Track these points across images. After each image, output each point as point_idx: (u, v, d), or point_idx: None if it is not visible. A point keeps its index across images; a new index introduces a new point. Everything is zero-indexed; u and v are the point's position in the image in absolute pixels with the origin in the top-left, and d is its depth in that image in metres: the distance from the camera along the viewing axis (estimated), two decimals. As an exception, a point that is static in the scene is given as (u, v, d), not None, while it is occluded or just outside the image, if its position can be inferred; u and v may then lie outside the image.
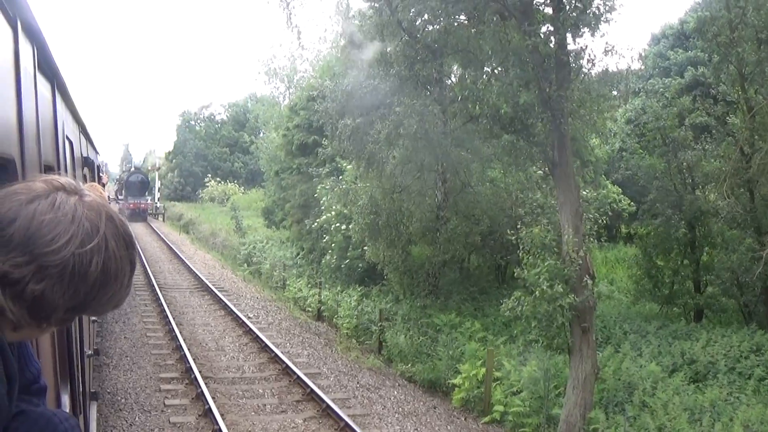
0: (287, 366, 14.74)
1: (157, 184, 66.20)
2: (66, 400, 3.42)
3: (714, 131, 18.86)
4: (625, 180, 26.14)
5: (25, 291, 1.20)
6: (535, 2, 12.39)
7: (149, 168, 71.99)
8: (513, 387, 13.04)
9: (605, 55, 12.02)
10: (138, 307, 21.06)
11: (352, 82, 17.44)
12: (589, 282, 11.42)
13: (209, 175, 66.53)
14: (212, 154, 72.38)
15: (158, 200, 64.42)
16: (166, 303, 21.19)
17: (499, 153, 15.73)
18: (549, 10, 12.34)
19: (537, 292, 11.05)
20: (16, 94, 2.06)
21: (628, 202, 26.08)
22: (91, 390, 7.17)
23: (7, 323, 1.25)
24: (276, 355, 15.59)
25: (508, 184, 19.55)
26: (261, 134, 66.33)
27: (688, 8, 35.86)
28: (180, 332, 17.32)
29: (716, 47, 16.98)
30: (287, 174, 30.85)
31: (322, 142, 24.18)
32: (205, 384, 13.20)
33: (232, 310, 20.69)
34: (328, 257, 22.71)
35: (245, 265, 30.75)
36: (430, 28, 13.82)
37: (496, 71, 13.84)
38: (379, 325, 17.41)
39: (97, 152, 12.48)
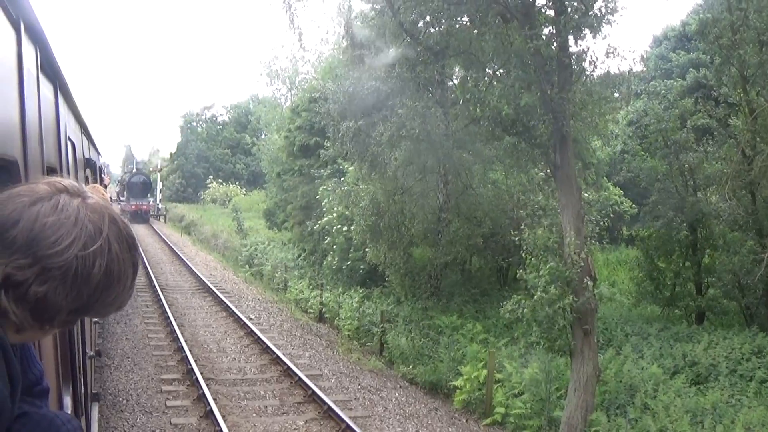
0: (288, 367, 14.74)
1: (159, 185, 66.17)
2: (68, 401, 3.42)
3: (716, 133, 18.85)
4: (626, 182, 26.19)
5: (28, 293, 1.21)
6: (537, 4, 12.40)
7: (151, 169, 71.97)
8: (514, 389, 13.04)
9: (607, 57, 12.05)
10: (140, 308, 21.08)
11: (353, 84, 17.44)
12: (590, 284, 11.41)
13: (211, 177, 66.60)
14: (214, 155, 72.44)
15: (160, 202, 64.39)
16: (168, 304, 21.20)
17: (501, 155, 15.74)
18: (551, 12, 12.35)
19: (536, 296, 11.05)
20: (19, 96, 2.07)
21: (630, 204, 26.08)
22: (93, 391, 7.17)
23: (10, 325, 1.25)
24: (277, 356, 15.59)
25: (510, 186, 19.53)
26: (263, 136, 66.43)
27: (689, 10, 35.91)
28: (181, 333, 17.33)
29: (718, 49, 16.96)
30: (289, 175, 30.86)
31: (324, 143, 24.18)
32: (207, 385, 13.20)
33: (233, 311, 20.69)
34: (329, 259, 22.72)
35: (247, 266, 30.76)
36: (432, 30, 13.83)
37: (497, 73, 13.85)
38: (380, 326, 17.41)
39: (99, 153, 12.50)
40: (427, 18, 14.04)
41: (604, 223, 19.00)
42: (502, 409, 12.67)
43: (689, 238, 17.94)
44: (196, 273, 28.72)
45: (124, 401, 12.65)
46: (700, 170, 17.84)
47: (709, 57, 26.99)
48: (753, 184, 16.50)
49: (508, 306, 11.79)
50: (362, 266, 21.07)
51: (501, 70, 13.49)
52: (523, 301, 11.50)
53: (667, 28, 36.83)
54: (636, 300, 19.69)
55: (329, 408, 12.35)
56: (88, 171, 7.50)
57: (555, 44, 11.88)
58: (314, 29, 65.59)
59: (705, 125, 20.70)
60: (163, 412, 12.19)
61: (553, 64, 11.87)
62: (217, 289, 24.54)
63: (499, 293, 19.05)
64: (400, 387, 14.78)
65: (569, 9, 11.54)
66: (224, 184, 64.86)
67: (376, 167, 17.23)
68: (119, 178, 75.02)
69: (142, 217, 56.77)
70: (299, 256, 28.26)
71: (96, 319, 8.70)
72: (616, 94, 13.78)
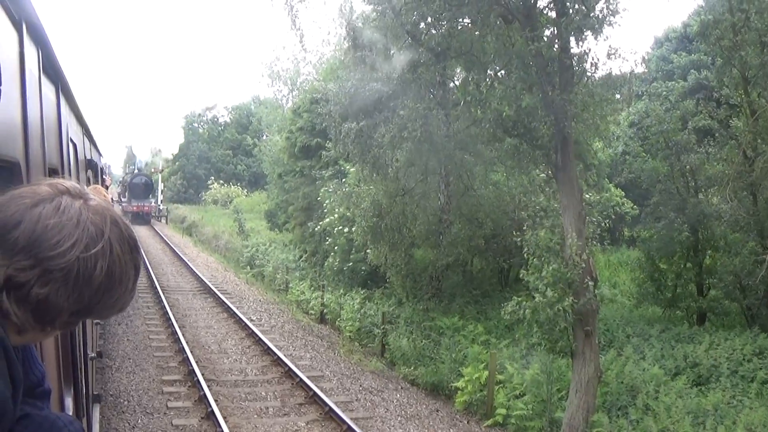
0: (290, 369, 14.74)
1: (160, 186, 66.15)
2: (69, 403, 3.42)
3: (717, 134, 18.82)
4: (628, 183, 26.14)
5: (30, 295, 1.21)
6: (538, 6, 12.40)
7: (153, 170, 71.95)
8: (516, 390, 13.03)
9: (608, 59, 12.06)
10: (141, 309, 21.08)
11: (355, 85, 17.45)
12: (592, 285, 11.40)
13: (212, 178, 66.60)
14: (215, 156, 72.44)
15: (161, 203, 64.35)
16: (169, 305, 21.20)
17: (502, 156, 15.72)
18: (552, 14, 12.36)
19: (537, 298, 11.04)
20: (21, 97, 2.07)
21: (631, 205, 26.02)
22: (94, 392, 7.17)
23: (12, 327, 1.25)
24: (279, 358, 15.59)
25: (511, 187, 19.51)
26: (264, 137, 66.46)
27: (691, 11, 35.80)
28: (183, 335, 17.33)
29: (719, 50, 16.94)
30: (290, 177, 30.88)
31: (325, 144, 24.20)
32: (208, 387, 13.21)
33: (234, 312, 20.69)
34: (330, 260, 22.72)
35: (248, 267, 30.76)
36: (434, 31, 13.82)
37: (499, 74, 13.84)
38: (381, 328, 17.40)
39: (100, 154, 12.51)
40: (429, 19, 14.04)
41: (605, 224, 18.91)
42: (503, 411, 12.65)
43: (690, 239, 17.90)
44: (197, 274, 28.72)
45: (126, 402, 12.66)
46: (701, 171, 17.81)
47: (710, 58, 26.98)
48: (754, 186, 16.48)
49: (508, 307, 11.78)
50: (363, 267, 21.07)
51: (502, 72, 13.48)
52: (524, 302, 11.50)
53: (669, 30, 36.72)
54: (637, 301, 19.64)
55: (330, 409, 12.35)
56: (89, 172, 7.50)
57: (556, 46, 11.88)
58: (316, 30, 65.52)
59: (706, 126, 20.66)
60: (165, 414, 12.20)
61: (554, 66, 11.88)
62: (219, 291, 24.55)
63: (500, 294, 19.01)
64: (402, 388, 14.78)
65: (571, 10, 11.54)
66: (225, 185, 64.82)
67: (377, 168, 17.24)
68: (120, 179, 74.94)
69: (143, 218, 56.71)
70: (300, 257, 28.26)
71: (97, 321, 8.70)
72: (618, 96, 13.75)
